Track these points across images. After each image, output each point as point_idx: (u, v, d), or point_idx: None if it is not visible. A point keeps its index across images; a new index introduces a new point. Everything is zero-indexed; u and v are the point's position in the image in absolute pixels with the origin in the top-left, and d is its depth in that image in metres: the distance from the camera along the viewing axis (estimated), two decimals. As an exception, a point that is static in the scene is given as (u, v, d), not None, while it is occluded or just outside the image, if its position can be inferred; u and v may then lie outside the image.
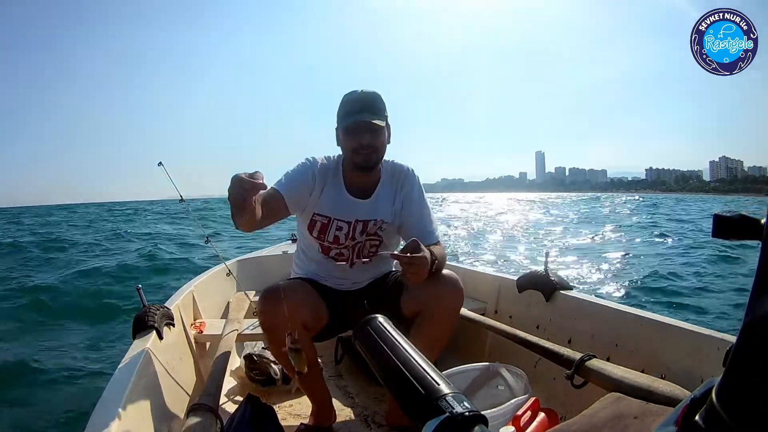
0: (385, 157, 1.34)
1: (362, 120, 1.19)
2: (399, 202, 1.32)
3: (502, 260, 7.55)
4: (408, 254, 1.05)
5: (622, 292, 4.99)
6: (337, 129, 1.28)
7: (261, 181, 0.95)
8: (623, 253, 7.95)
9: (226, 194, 0.98)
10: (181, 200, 1.84)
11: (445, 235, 10.81)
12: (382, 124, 1.22)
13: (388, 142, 1.28)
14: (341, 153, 1.31)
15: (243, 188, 0.94)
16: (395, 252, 1.52)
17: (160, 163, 1.63)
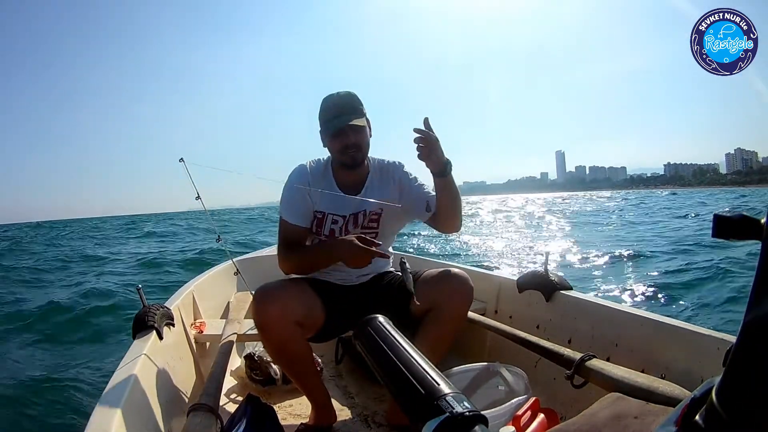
0: (374, 156, 1.42)
1: (344, 124, 1.27)
2: (395, 191, 1.40)
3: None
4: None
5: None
6: (321, 132, 1.34)
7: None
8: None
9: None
10: (198, 197, 1.76)
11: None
12: (363, 123, 1.30)
13: (370, 136, 1.35)
14: (329, 154, 1.37)
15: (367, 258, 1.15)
16: (391, 245, 1.53)
17: (181, 159, 1.66)
